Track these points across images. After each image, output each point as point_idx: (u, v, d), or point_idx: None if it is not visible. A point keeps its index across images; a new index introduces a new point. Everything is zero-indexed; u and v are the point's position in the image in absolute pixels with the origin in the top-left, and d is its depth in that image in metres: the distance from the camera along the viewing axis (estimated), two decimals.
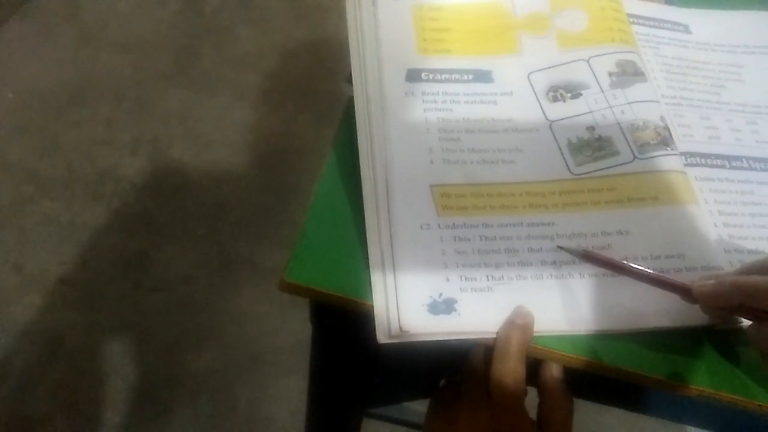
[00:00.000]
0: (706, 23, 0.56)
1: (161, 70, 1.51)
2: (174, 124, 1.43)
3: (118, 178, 1.34)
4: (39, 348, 1.13)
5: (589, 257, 0.40)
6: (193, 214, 1.30)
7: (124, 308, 1.18)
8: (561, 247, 0.40)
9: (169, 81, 1.49)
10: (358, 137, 0.44)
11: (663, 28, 0.55)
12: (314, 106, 1.48)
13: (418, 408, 0.79)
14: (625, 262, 0.40)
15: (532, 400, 0.40)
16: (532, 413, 0.40)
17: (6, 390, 1.08)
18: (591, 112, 0.46)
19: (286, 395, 1.11)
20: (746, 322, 0.38)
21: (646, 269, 0.40)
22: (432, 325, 0.38)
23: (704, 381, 0.38)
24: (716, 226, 0.44)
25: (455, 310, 0.38)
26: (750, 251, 0.43)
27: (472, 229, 0.41)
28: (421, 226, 0.41)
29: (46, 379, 1.10)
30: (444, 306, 0.38)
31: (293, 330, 1.17)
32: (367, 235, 0.40)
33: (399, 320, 0.37)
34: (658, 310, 0.39)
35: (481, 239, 0.41)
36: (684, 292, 0.39)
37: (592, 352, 0.39)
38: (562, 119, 0.46)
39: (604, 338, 0.39)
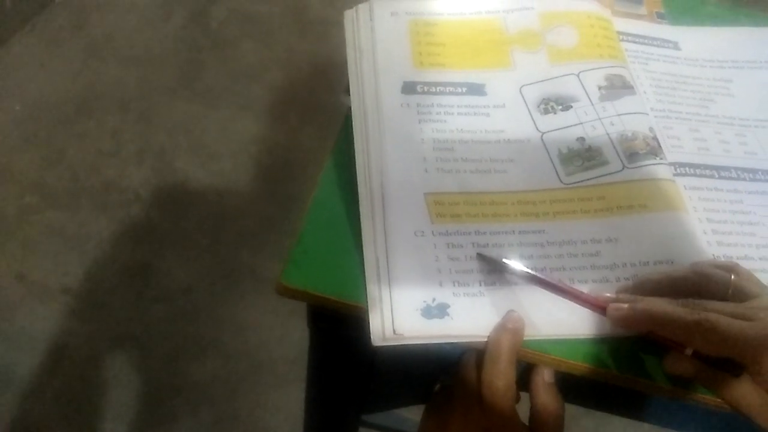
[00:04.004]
0: (695, 40, 0.57)
1: (166, 83, 1.53)
2: (179, 135, 1.44)
3: (123, 189, 1.35)
4: (41, 357, 1.13)
5: (505, 266, 0.41)
6: (196, 225, 1.31)
7: (127, 318, 1.19)
8: (480, 254, 0.41)
9: (174, 93, 1.51)
10: (355, 146, 0.45)
11: (652, 45, 0.56)
12: (317, 118, 1.49)
13: (414, 418, 0.79)
14: (542, 275, 0.40)
15: (524, 406, 0.40)
16: (525, 419, 0.40)
17: (8, 399, 1.09)
18: (581, 123, 0.48)
19: (287, 405, 1.12)
20: None
21: (561, 283, 0.40)
22: (425, 329, 0.39)
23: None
24: (705, 233, 0.45)
25: (448, 315, 0.39)
26: (739, 258, 0.44)
27: (465, 236, 0.42)
28: (415, 233, 0.42)
29: (48, 388, 1.10)
30: (437, 310, 0.39)
31: (294, 340, 1.18)
32: (363, 240, 0.41)
33: (393, 324, 0.38)
34: None
35: (473, 246, 0.42)
36: (597, 309, 0.39)
37: (583, 356, 0.39)
38: (553, 130, 0.48)
39: (595, 342, 0.40)
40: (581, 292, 0.40)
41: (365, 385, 0.51)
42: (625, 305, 0.38)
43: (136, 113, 1.47)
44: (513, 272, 0.41)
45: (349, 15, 0.51)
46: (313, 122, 1.49)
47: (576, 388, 0.41)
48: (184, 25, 1.65)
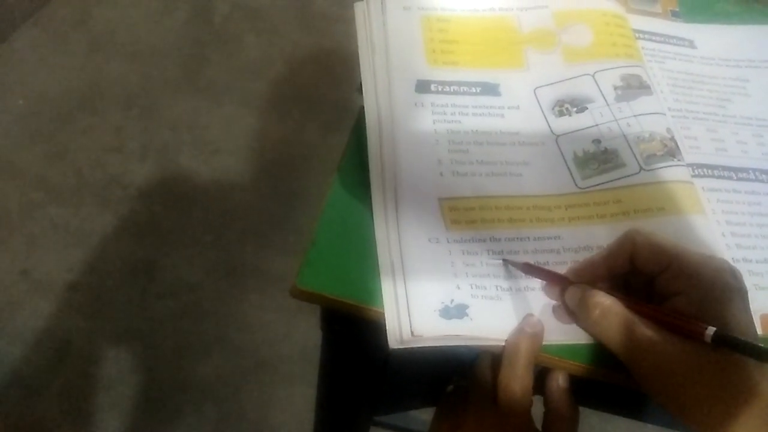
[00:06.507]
0: (711, 38, 0.56)
1: (170, 78, 1.52)
2: (182, 131, 1.44)
3: (126, 184, 1.35)
4: (46, 354, 1.13)
5: (529, 269, 0.40)
6: (200, 221, 1.31)
7: (131, 315, 1.19)
8: (505, 260, 0.41)
9: (178, 89, 1.51)
10: (369, 147, 0.44)
11: (668, 43, 0.55)
12: (321, 114, 1.49)
13: (425, 417, 0.79)
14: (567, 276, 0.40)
15: (538, 410, 0.40)
16: (538, 423, 0.40)
17: (13, 395, 1.09)
18: (597, 125, 0.47)
19: (292, 403, 1.12)
20: None
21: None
22: (445, 329, 0.38)
23: None
24: (724, 236, 0.44)
25: (467, 315, 0.38)
26: (758, 261, 0.44)
27: (480, 243, 0.42)
28: (429, 240, 0.41)
29: (52, 384, 1.10)
30: (456, 311, 0.39)
31: (299, 337, 1.17)
32: (377, 245, 0.41)
33: (411, 326, 0.38)
34: None
35: (488, 253, 0.41)
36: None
37: (599, 361, 0.39)
38: (568, 133, 0.47)
39: None
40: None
41: (378, 387, 0.50)
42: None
43: (139, 109, 1.46)
44: (534, 275, 0.40)
45: (360, 8, 0.49)
46: (317, 118, 1.48)
47: (587, 390, 0.41)
48: (187, 20, 1.64)
